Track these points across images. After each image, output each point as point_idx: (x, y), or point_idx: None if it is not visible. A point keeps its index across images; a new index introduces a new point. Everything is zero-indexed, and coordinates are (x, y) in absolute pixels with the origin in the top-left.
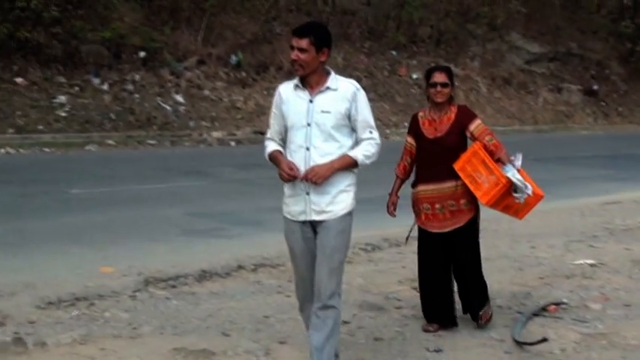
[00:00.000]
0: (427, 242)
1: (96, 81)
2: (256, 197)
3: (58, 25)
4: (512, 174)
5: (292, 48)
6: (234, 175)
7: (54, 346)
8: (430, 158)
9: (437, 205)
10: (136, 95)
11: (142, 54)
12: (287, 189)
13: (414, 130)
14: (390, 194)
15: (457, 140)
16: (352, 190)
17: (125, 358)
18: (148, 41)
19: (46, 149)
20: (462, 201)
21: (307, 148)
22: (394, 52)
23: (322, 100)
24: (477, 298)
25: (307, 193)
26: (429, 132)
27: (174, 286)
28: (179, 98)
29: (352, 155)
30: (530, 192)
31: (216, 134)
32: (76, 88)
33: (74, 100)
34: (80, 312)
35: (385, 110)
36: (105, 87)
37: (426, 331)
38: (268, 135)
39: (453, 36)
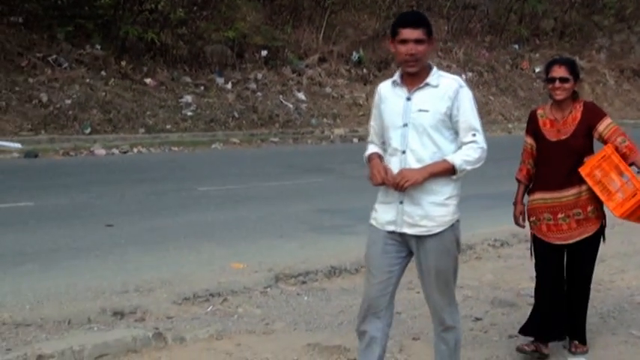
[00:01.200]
0: (548, 255)
1: (220, 80)
2: None
3: (184, 26)
4: None
5: (404, 42)
6: (357, 171)
7: (192, 342)
8: (552, 163)
9: (560, 215)
10: (259, 94)
11: (264, 53)
12: (380, 195)
13: (533, 129)
14: (515, 203)
15: (584, 143)
16: (453, 204)
17: (260, 354)
18: (270, 40)
19: (175, 148)
20: (590, 208)
21: (403, 152)
22: (516, 46)
23: (421, 97)
24: (581, 317)
25: (401, 202)
26: (550, 134)
27: (304, 282)
28: (301, 96)
29: (450, 160)
30: None
31: (338, 131)
32: (201, 88)
33: (199, 100)
34: (214, 308)
35: (507, 104)
36: (228, 86)
37: (521, 350)
38: (369, 138)
39: (577, 28)
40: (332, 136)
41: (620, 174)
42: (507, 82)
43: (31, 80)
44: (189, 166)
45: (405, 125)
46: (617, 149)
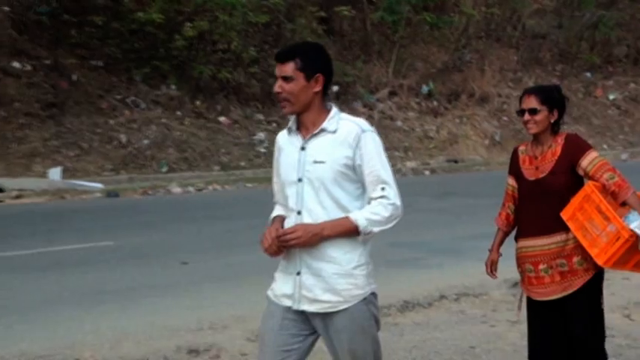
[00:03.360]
0: (535, 313)
1: (291, 117)
2: (454, 226)
3: (256, 64)
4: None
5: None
6: (430, 204)
7: None
8: (532, 205)
9: (541, 266)
10: None
11: (336, 88)
12: (280, 263)
13: (514, 168)
14: (490, 250)
15: (565, 181)
16: (362, 275)
17: None
18: (341, 75)
19: (249, 184)
20: (575, 259)
21: (299, 212)
22: (588, 74)
23: (316, 146)
24: None
25: (298, 273)
26: (529, 172)
27: None
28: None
29: (353, 218)
30: None
31: (410, 164)
32: (274, 125)
33: (272, 137)
34: None
35: (582, 133)
36: None
37: None
38: (274, 198)
39: None
40: (404, 169)
41: (603, 216)
42: (580, 111)
43: (111, 122)
44: (263, 202)
45: (300, 180)
46: (604, 187)
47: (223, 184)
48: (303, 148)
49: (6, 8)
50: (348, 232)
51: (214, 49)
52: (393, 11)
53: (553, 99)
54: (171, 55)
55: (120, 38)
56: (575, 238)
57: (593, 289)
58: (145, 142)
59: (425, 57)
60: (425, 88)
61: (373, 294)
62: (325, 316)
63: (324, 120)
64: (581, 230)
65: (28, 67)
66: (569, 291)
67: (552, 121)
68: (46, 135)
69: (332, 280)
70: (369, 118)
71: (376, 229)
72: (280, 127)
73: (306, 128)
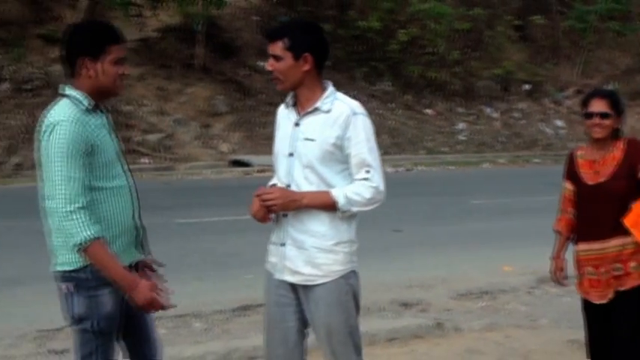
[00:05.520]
0: (593, 316)
1: (488, 110)
2: None
3: (458, 65)
4: None
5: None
6: None
7: (467, 331)
8: (592, 210)
9: (602, 269)
10: (522, 121)
11: (527, 86)
12: (271, 234)
13: (572, 172)
14: (554, 257)
15: (626, 186)
16: (343, 252)
17: (526, 346)
18: (532, 75)
19: (450, 167)
20: (631, 264)
21: (288, 185)
22: None
23: (309, 124)
24: None
25: (282, 244)
26: (588, 176)
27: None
28: (559, 123)
29: (333, 194)
30: None
31: None
32: (472, 117)
33: (471, 127)
34: (486, 304)
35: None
36: (496, 115)
37: None
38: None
39: None
40: None
41: None
42: None
43: None
44: (463, 182)
45: (291, 155)
46: None
47: (428, 166)
48: (297, 124)
49: (256, 17)
50: (327, 206)
51: (423, 52)
52: (582, 20)
53: (620, 104)
54: (387, 57)
55: (344, 43)
56: (633, 243)
57: None
58: None
59: (610, 60)
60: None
61: (354, 272)
62: (306, 288)
63: (318, 98)
64: None
65: None
66: (620, 289)
67: (618, 126)
68: None
69: (313, 254)
70: (557, 113)
71: (355, 209)
72: (478, 119)
73: (302, 105)
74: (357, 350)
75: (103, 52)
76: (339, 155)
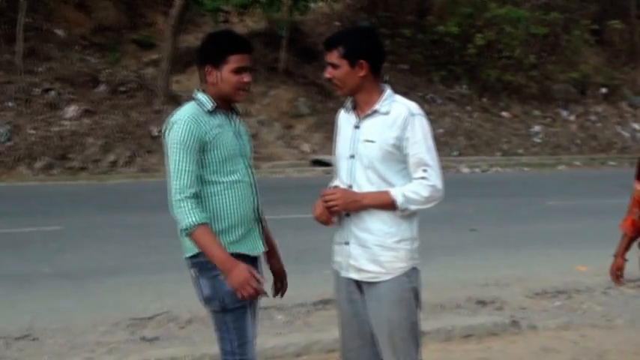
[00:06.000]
0: None
1: (564, 113)
2: None
3: (535, 69)
4: None
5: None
6: None
7: (542, 330)
8: None
9: None
10: (598, 124)
11: (604, 90)
12: (335, 234)
13: None
14: (615, 255)
15: None
16: (405, 249)
17: (602, 345)
18: (609, 79)
19: (525, 169)
20: None
21: (350, 186)
22: None
23: (369, 126)
24: None
25: (346, 243)
26: None
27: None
28: (636, 126)
29: (392, 194)
30: None
31: None
32: (548, 120)
33: (546, 129)
34: (561, 303)
35: None
36: (572, 118)
37: None
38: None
39: None
40: None
41: None
42: None
43: None
44: (538, 183)
45: (352, 157)
46: None
47: (504, 167)
48: (357, 127)
49: (337, 23)
50: (387, 205)
51: (500, 55)
52: None
53: None
54: (464, 61)
55: (423, 47)
56: None
57: None
58: (440, 130)
59: None
60: None
61: (415, 269)
62: (370, 285)
63: (376, 101)
64: None
65: None
66: None
67: None
68: None
69: (376, 252)
70: (633, 117)
71: (413, 207)
72: (554, 122)
73: (361, 108)
74: (417, 346)
75: (223, 61)
76: (398, 155)
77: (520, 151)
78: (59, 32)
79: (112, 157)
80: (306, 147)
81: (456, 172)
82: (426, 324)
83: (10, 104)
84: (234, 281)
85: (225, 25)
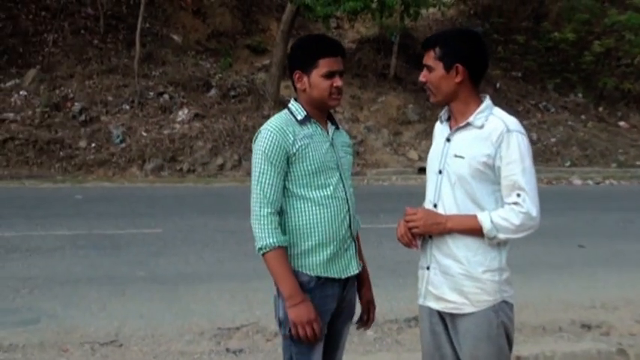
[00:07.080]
0: None
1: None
2: None
3: None
4: None
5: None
6: None
7: None
8: None
9: None
10: None
11: None
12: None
13: None
14: None
15: None
16: (492, 280)
17: None
18: None
19: None
20: None
21: (435, 205)
22: None
23: (460, 140)
24: None
25: (427, 268)
26: None
27: None
28: None
29: (479, 218)
30: None
31: None
32: None
33: None
34: None
35: None
36: None
37: None
38: None
39: None
40: None
41: None
42: None
43: (525, 122)
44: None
45: (440, 172)
46: None
47: (619, 180)
48: (448, 140)
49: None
50: (473, 231)
51: (618, 63)
52: None
53: None
54: (580, 69)
55: (537, 54)
56: None
57: None
58: (553, 140)
59: None
60: None
61: (506, 302)
62: (453, 317)
63: (472, 112)
64: None
65: None
66: None
67: None
68: None
69: (459, 281)
70: None
71: (502, 236)
72: None
73: (455, 119)
74: None
75: (313, 66)
76: (491, 175)
77: (637, 163)
78: (175, 37)
79: (219, 161)
80: (413, 154)
81: (567, 183)
82: (524, 348)
83: (125, 107)
84: (295, 317)
85: (337, 32)
